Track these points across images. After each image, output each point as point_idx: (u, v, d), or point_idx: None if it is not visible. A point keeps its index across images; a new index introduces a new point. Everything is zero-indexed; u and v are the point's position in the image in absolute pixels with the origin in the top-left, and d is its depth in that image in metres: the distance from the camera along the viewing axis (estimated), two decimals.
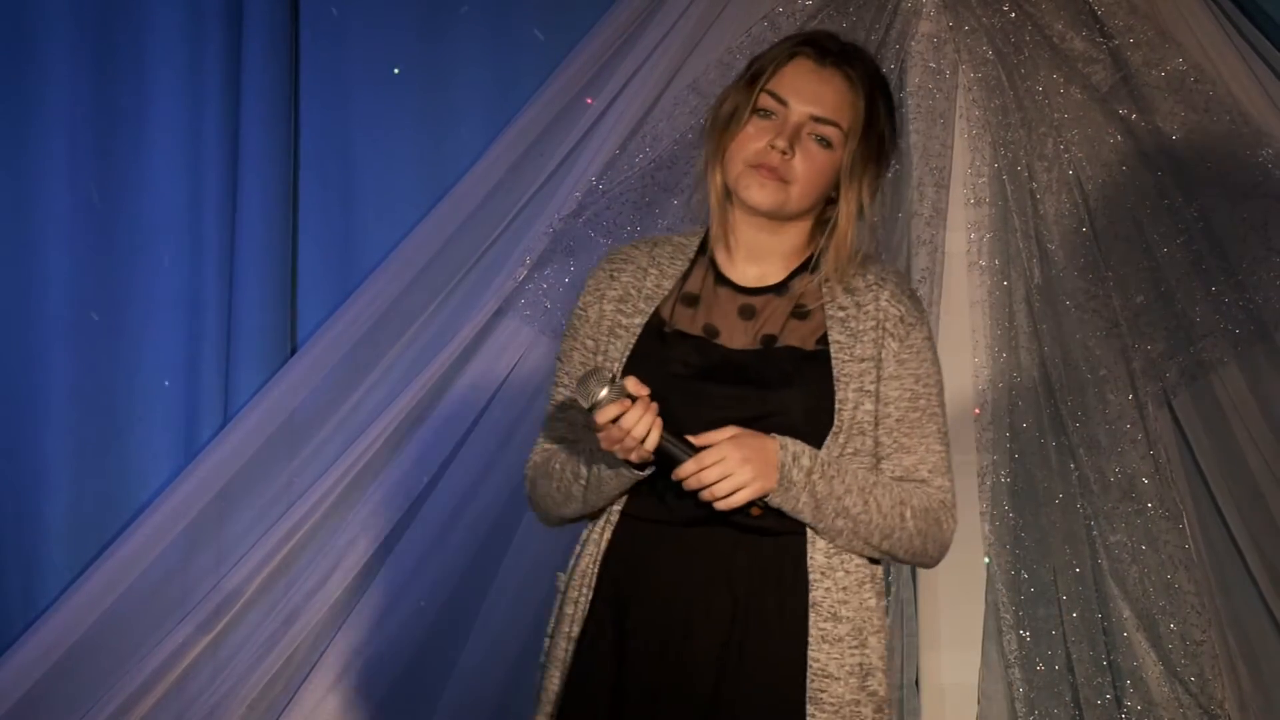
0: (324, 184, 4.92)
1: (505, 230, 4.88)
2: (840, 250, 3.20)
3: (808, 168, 3.17)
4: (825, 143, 3.18)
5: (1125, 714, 4.74)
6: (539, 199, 4.88)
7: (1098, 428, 4.77)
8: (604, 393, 3.04)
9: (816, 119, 3.18)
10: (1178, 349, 4.82)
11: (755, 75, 3.22)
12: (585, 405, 3.05)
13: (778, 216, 3.21)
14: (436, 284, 4.87)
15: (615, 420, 3.04)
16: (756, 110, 3.20)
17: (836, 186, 3.22)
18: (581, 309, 3.28)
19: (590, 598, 3.19)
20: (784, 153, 3.16)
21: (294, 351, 4.90)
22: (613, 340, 3.22)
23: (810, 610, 3.13)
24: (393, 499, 4.81)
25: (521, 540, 4.83)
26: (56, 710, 4.73)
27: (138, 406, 4.87)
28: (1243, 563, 4.82)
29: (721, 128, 3.21)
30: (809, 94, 3.18)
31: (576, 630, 3.20)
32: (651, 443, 3.05)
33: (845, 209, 3.20)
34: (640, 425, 3.03)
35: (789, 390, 3.15)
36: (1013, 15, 4.84)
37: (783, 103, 3.19)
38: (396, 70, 4.93)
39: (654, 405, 3.05)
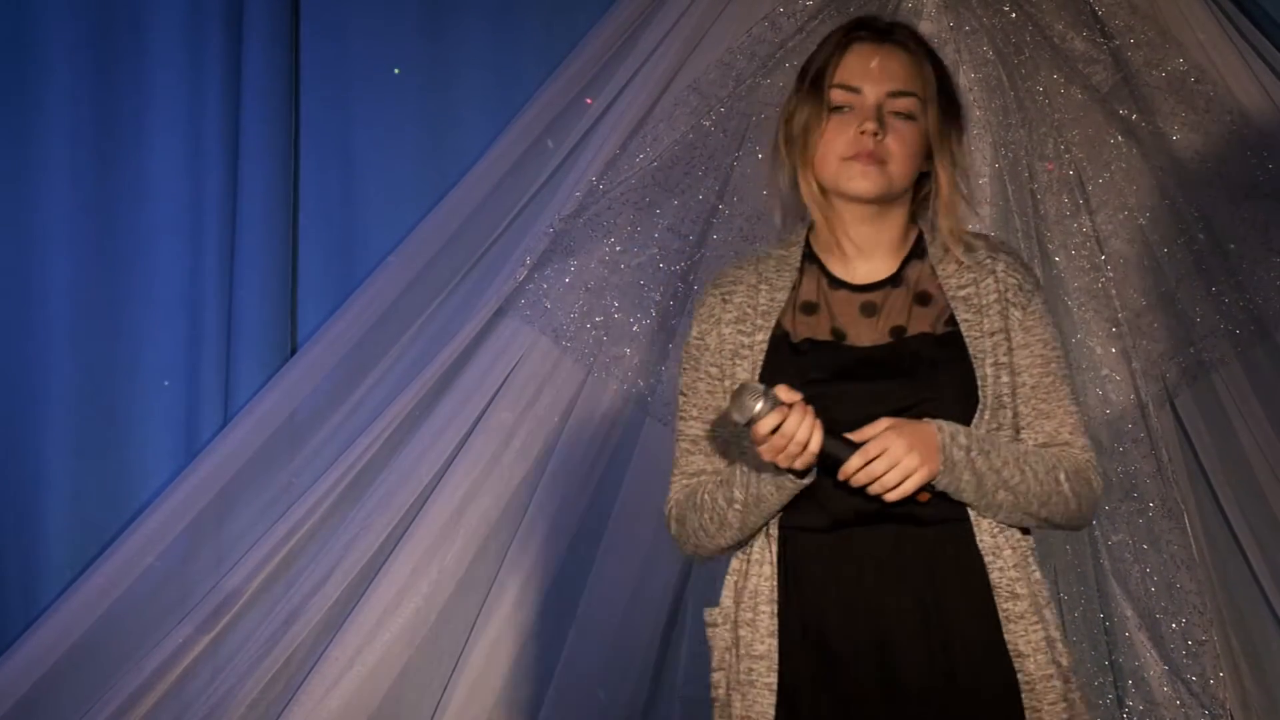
0: (324, 184, 4.93)
1: (505, 230, 4.88)
2: (950, 215, 3.20)
3: (899, 144, 3.17)
4: (908, 116, 3.19)
5: (1127, 714, 4.73)
6: (539, 199, 4.88)
7: (1099, 428, 4.77)
8: (760, 405, 3.01)
9: (893, 94, 3.18)
10: (1179, 349, 4.82)
11: (817, 76, 3.21)
12: (742, 421, 3.02)
13: (883, 201, 3.20)
14: (436, 284, 4.87)
15: (775, 430, 3.01)
16: (833, 108, 3.19)
17: (925, 159, 3.22)
18: (698, 337, 3.25)
19: (778, 617, 3.15)
20: (875, 134, 3.16)
21: (294, 351, 4.91)
22: (738, 362, 3.20)
23: (993, 592, 3.12)
24: (393, 499, 4.80)
25: (522, 541, 4.82)
26: (56, 710, 4.73)
27: (138, 406, 4.87)
28: (1245, 562, 4.82)
29: (801, 137, 3.20)
30: (878, 73, 3.18)
31: (765, 647, 3.14)
32: (815, 445, 3.03)
33: (944, 173, 3.19)
34: (803, 429, 3.01)
35: (933, 376, 3.15)
36: (1013, 16, 4.85)
37: (855, 90, 3.19)
38: (397, 70, 4.93)
39: (810, 408, 3.03)
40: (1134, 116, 4.84)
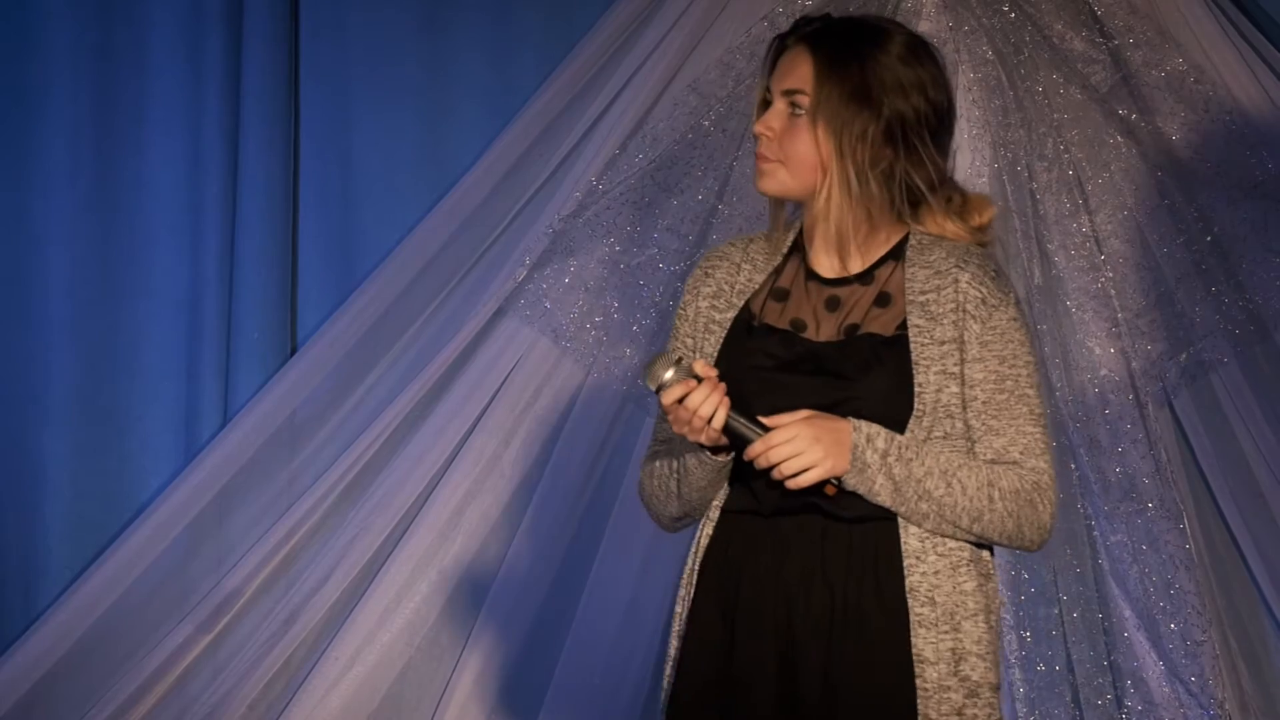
0: (324, 184, 4.93)
1: (505, 230, 4.88)
2: (835, 213, 3.20)
3: (790, 140, 3.19)
4: (800, 112, 3.19)
5: (1126, 714, 4.74)
6: (539, 199, 4.88)
7: (1098, 428, 4.77)
8: (669, 374, 3.05)
9: (786, 92, 3.20)
10: (1178, 349, 4.82)
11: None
12: (651, 387, 3.07)
13: (795, 196, 3.23)
14: (436, 284, 4.87)
15: (681, 401, 3.06)
16: (764, 108, 3.25)
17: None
18: (681, 308, 3.32)
19: (693, 595, 3.21)
20: (765, 135, 3.20)
21: (294, 351, 4.91)
22: (707, 336, 3.25)
23: (908, 595, 3.13)
24: (393, 499, 4.81)
25: (521, 541, 4.83)
26: (56, 710, 4.74)
27: (138, 406, 4.87)
28: (1243, 563, 4.82)
29: None
30: (779, 75, 3.22)
31: (683, 627, 3.23)
32: (718, 422, 3.06)
33: (833, 169, 3.18)
34: (706, 404, 3.05)
35: (866, 377, 3.15)
36: (1012, 15, 4.85)
37: (768, 91, 3.24)
38: (397, 70, 4.93)
39: (721, 385, 3.07)
40: (1133, 116, 4.84)
